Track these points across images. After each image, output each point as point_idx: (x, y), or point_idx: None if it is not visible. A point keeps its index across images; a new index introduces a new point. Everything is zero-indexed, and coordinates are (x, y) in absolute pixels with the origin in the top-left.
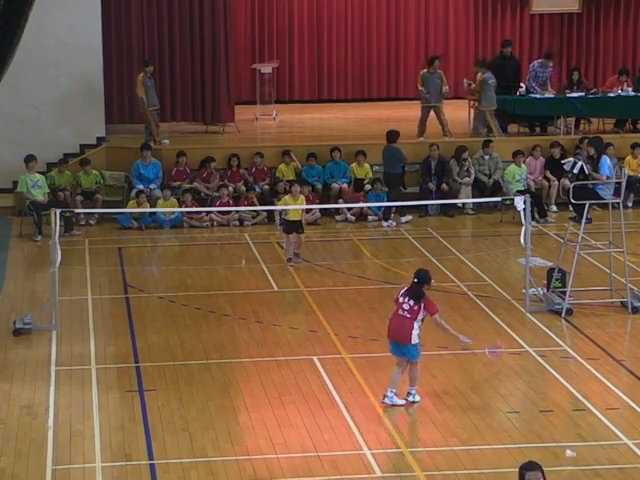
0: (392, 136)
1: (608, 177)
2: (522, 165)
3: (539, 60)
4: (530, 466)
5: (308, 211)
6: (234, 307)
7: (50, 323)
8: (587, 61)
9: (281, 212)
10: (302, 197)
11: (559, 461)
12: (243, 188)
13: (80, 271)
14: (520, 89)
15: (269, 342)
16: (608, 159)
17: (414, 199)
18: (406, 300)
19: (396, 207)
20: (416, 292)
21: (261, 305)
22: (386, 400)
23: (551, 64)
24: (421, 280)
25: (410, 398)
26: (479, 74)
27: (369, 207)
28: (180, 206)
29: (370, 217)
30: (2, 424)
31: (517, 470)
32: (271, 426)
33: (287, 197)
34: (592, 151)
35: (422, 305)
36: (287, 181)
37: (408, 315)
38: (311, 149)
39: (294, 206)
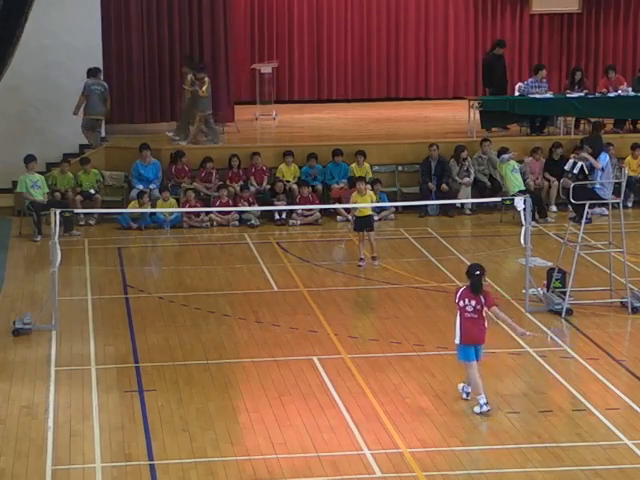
0: (597, 126)
1: (603, 169)
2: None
3: (530, 79)
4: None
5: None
6: (234, 307)
7: (50, 323)
8: (587, 61)
9: (351, 210)
10: (371, 193)
11: (559, 461)
12: (238, 189)
13: (80, 271)
14: (521, 88)
15: (269, 342)
16: (607, 156)
17: (414, 199)
18: (467, 302)
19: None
20: (478, 287)
21: (261, 305)
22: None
23: (544, 74)
24: (482, 272)
25: (466, 397)
26: (190, 75)
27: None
28: (184, 205)
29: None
30: (2, 424)
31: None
32: (271, 426)
33: (354, 194)
34: (589, 149)
35: (482, 301)
36: (355, 179)
37: (475, 316)
38: (311, 149)
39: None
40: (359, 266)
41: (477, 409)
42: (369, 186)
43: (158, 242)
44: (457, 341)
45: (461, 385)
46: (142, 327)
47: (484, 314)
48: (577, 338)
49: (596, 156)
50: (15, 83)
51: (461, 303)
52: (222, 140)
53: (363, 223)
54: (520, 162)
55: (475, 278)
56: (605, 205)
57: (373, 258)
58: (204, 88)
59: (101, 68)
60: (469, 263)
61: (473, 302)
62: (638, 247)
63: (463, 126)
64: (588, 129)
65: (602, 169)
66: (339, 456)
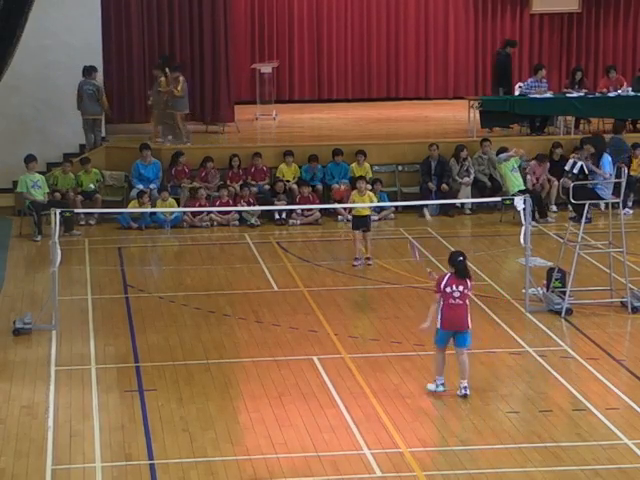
0: (619, 127)
1: (610, 175)
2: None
3: (530, 78)
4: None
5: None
6: (234, 307)
7: (50, 323)
8: (587, 61)
9: (349, 209)
10: (370, 194)
11: (559, 461)
12: (238, 189)
13: (80, 271)
14: (521, 88)
15: (269, 342)
16: (609, 157)
17: (414, 199)
18: (454, 288)
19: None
20: (465, 271)
21: (261, 305)
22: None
23: (544, 73)
24: (464, 256)
25: (465, 391)
26: (164, 77)
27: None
28: (193, 205)
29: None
30: (2, 424)
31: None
32: (271, 426)
33: (354, 193)
34: (592, 149)
35: (469, 285)
36: (356, 179)
37: (460, 301)
38: (311, 149)
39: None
40: (354, 266)
41: (431, 387)
42: (369, 186)
43: (158, 242)
44: (438, 326)
45: (461, 392)
46: (142, 327)
47: (467, 300)
48: (577, 338)
49: (599, 157)
50: (15, 83)
51: (448, 289)
52: (189, 141)
53: (360, 223)
54: (521, 157)
55: (461, 264)
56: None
57: (367, 259)
58: (179, 87)
59: (96, 67)
60: (468, 263)
61: (461, 287)
62: (638, 247)
63: (463, 126)
64: (588, 129)
65: (610, 174)
66: (339, 456)
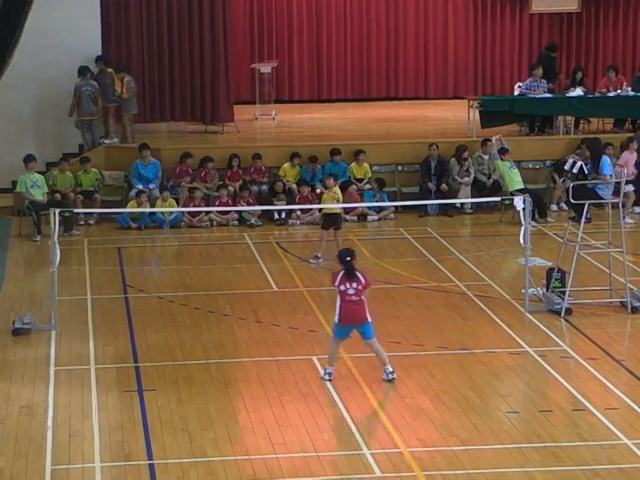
0: None
1: (611, 176)
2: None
3: (529, 78)
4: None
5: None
6: (234, 307)
7: (49, 323)
8: (587, 61)
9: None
10: (337, 190)
11: (559, 461)
12: (237, 188)
13: (79, 271)
14: (520, 88)
15: (269, 342)
16: (608, 159)
17: (414, 199)
18: (348, 285)
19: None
20: (353, 271)
21: (261, 305)
22: (327, 377)
23: (540, 72)
24: (352, 256)
25: (392, 376)
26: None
27: (368, 207)
28: (188, 204)
29: (370, 217)
30: (1, 424)
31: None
32: (270, 426)
33: (325, 194)
34: (586, 152)
35: (362, 281)
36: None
37: (356, 298)
38: (311, 149)
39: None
40: (310, 263)
41: (322, 372)
42: (368, 186)
43: (158, 242)
44: (336, 320)
45: (387, 377)
46: (142, 327)
47: (363, 295)
48: (577, 338)
49: (596, 159)
50: (15, 82)
51: (342, 287)
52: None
53: (330, 221)
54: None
55: (348, 264)
56: None
57: (316, 257)
58: (124, 89)
59: (90, 67)
60: (468, 263)
61: (354, 284)
62: (638, 247)
63: (463, 126)
64: (587, 129)
65: (610, 176)
66: (339, 456)
